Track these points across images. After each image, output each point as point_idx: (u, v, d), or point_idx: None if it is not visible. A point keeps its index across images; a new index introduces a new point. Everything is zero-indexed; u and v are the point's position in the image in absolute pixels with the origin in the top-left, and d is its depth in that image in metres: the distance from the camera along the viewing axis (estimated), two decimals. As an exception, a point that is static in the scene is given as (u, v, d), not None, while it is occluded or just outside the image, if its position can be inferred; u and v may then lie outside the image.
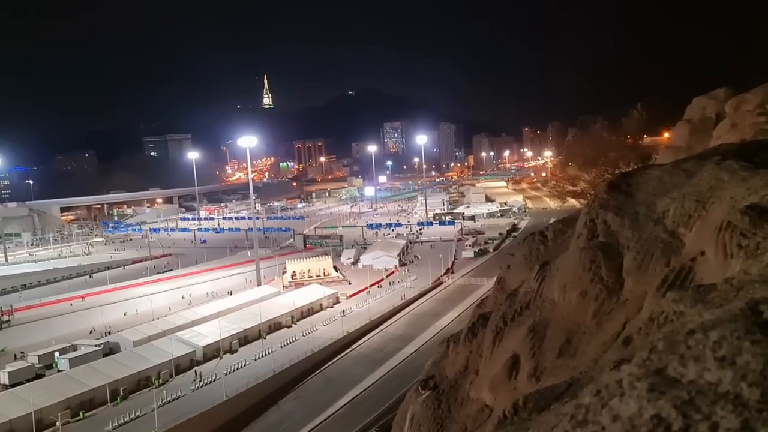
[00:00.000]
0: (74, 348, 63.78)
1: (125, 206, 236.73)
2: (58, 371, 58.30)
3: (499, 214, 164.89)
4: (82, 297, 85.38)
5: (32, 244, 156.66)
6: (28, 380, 55.20)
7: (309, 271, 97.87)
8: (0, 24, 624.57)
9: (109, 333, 70.47)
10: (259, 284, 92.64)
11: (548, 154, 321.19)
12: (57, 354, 61.67)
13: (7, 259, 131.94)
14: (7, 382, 55.40)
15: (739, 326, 1.70)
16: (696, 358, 1.66)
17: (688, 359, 1.68)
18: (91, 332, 70.00)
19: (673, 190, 6.62)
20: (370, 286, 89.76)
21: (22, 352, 63.91)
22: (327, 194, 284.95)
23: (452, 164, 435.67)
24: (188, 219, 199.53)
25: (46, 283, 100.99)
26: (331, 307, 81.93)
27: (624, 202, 7.17)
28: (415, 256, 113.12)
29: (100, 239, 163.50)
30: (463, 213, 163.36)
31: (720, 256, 4.45)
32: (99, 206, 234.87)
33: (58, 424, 45.92)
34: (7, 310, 75.27)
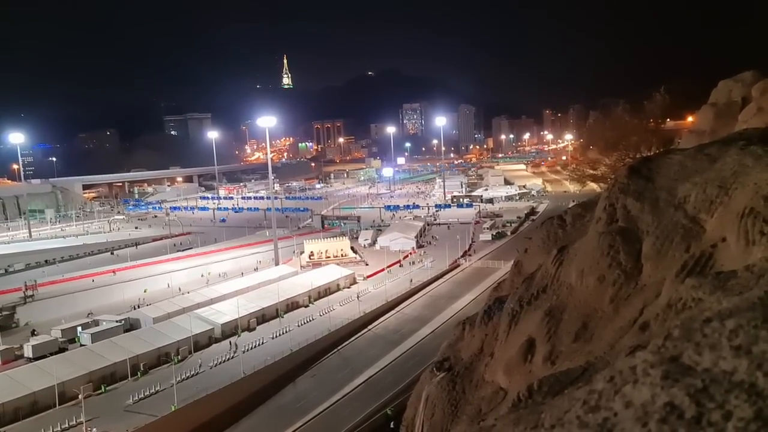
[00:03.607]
0: (96, 323, 65.01)
1: (146, 184, 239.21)
2: (81, 345, 59.66)
3: (517, 197, 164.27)
4: (113, 272, 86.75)
5: (55, 221, 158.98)
6: (52, 354, 56.33)
7: (327, 251, 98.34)
8: (21, 2, 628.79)
9: (138, 307, 71.88)
10: (277, 264, 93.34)
11: (569, 137, 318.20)
12: (79, 329, 63.02)
13: (31, 235, 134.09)
14: (31, 356, 56.68)
15: (757, 315, 1.68)
16: (711, 347, 1.65)
17: (703, 347, 1.66)
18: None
19: (695, 176, 6.53)
20: (388, 267, 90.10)
21: (34, 330, 64.93)
22: (345, 175, 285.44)
23: (471, 146, 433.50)
24: (208, 198, 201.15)
25: (70, 259, 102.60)
26: (348, 287, 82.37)
27: (644, 186, 7.09)
28: (433, 237, 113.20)
29: (121, 217, 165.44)
30: (482, 195, 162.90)
31: (741, 243, 4.39)
32: (120, 184, 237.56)
33: (80, 396, 46.75)
34: (32, 285, 76.56)
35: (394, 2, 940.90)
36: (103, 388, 51.16)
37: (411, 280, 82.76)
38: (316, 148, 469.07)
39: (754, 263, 3.42)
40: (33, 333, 64.16)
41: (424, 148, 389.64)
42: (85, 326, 63.76)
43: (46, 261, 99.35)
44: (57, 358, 53.89)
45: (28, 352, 57.44)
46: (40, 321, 67.80)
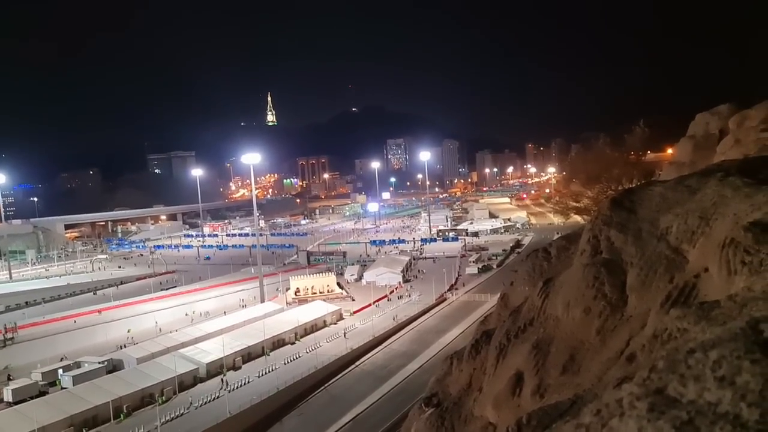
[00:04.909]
0: (78, 365, 63.60)
1: (129, 223, 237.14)
2: (62, 388, 58.15)
3: (502, 230, 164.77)
4: (99, 311, 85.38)
5: (36, 262, 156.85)
6: (32, 398, 54.99)
7: (312, 287, 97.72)
8: (5, 43, 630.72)
9: (124, 347, 70.75)
10: (262, 301, 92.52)
11: (551, 170, 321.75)
12: (60, 371, 61.58)
13: (11, 277, 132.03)
14: (10, 400, 55.14)
15: (739, 345, 1.70)
16: (696, 378, 1.65)
17: (688, 379, 1.67)
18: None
19: (676, 207, 6.61)
20: (375, 301, 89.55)
21: (9, 375, 63.08)
22: (330, 211, 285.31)
23: (456, 180, 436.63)
24: (192, 236, 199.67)
25: (51, 300, 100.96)
26: (335, 323, 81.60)
27: (627, 218, 7.16)
28: (419, 271, 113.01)
29: (104, 256, 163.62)
30: (467, 229, 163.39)
31: (724, 273, 4.43)
32: (103, 223, 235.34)
33: (61, 441, 45.68)
34: (11, 328, 75.02)
35: (377, 41, 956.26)
36: (84, 432, 49.91)
37: (395, 317, 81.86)
38: (301, 184, 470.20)
39: (736, 293, 3.46)
40: (9, 378, 62.37)
41: (408, 183, 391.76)
42: (66, 368, 62.31)
43: (26, 303, 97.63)
44: (37, 402, 52.47)
45: (7, 396, 55.82)
46: (20, 364, 66.07)
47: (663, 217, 6.61)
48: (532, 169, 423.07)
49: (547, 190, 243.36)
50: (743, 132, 11.26)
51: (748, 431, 1.46)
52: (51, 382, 60.57)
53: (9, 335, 73.80)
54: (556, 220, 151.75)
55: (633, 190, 8.08)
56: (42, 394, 57.01)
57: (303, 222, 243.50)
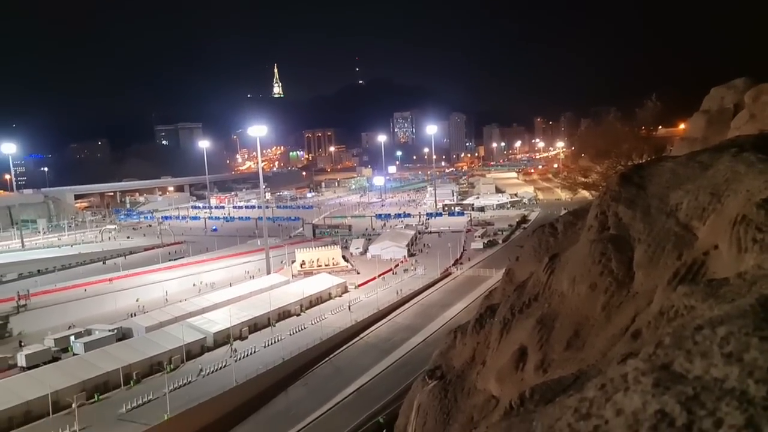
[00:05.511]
0: (88, 332, 64.63)
1: (137, 194, 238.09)
2: (74, 355, 59.25)
3: (509, 206, 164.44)
4: (110, 280, 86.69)
5: (47, 231, 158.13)
6: (45, 363, 56.15)
7: (318, 260, 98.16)
8: (13, 11, 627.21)
9: (134, 315, 71.68)
10: (268, 273, 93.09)
11: (560, 145, 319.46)
12: (72, 338, 62.75)
13: (23, 245, 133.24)
14: (24, 365, 56.48)
15: (748, 322, 1.67)
16: (703, 354, 1.64)
17: (694, 355, 1.65)
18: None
19: (687, 183, 6.54)
20: (380, 275, 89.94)
21: (21, 341, 64.53)
22: (336, 184, 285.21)
23: (462, 155, 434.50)
24: (199, 207, 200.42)
25: (62, 269, 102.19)
26: (340, 296, 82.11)
27: (636, 194, 7.10)
28: (424, 245, 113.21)
29: (113, 226, 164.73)
30: (473, 204, 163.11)
31: (734, 250, 4.39)
32: (112, 194, 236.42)
33: (73, 405, 46.39)
34: (24, 295, 76.23)
35: (385, 12, 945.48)
36: (96, 397, 50.85)
37: (399, 291, 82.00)
38: (307, 157, 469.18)
39: (746, 270, 3.43)
40: (20, 344, 63.59)
41: (415, 157, 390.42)
42: (77, 335, 63.43)
43: (39, 271, 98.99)
44: (50, 368, 53.81)
45: (21, 361, 57.19)
46: (33, 331, 67.48)
47: (673, 194, 6.55)
48: (541, 144, 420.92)
49: (555, 165, 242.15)
50: (759, 107, 11.08)
51: (755, 408, 1.45)
52: (63, 348, 61.87)
53: (22, 302, 75.12)
54: (564, 195, 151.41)
55: (643, 165, 8.00)
56: (54, 359, 58.24)
57: (309, 195, 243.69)
